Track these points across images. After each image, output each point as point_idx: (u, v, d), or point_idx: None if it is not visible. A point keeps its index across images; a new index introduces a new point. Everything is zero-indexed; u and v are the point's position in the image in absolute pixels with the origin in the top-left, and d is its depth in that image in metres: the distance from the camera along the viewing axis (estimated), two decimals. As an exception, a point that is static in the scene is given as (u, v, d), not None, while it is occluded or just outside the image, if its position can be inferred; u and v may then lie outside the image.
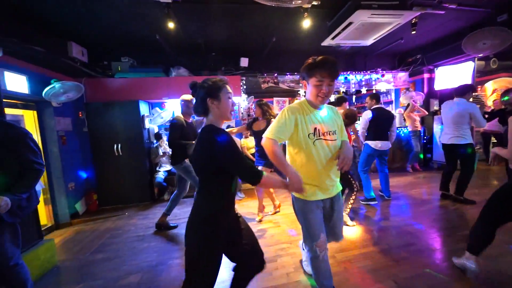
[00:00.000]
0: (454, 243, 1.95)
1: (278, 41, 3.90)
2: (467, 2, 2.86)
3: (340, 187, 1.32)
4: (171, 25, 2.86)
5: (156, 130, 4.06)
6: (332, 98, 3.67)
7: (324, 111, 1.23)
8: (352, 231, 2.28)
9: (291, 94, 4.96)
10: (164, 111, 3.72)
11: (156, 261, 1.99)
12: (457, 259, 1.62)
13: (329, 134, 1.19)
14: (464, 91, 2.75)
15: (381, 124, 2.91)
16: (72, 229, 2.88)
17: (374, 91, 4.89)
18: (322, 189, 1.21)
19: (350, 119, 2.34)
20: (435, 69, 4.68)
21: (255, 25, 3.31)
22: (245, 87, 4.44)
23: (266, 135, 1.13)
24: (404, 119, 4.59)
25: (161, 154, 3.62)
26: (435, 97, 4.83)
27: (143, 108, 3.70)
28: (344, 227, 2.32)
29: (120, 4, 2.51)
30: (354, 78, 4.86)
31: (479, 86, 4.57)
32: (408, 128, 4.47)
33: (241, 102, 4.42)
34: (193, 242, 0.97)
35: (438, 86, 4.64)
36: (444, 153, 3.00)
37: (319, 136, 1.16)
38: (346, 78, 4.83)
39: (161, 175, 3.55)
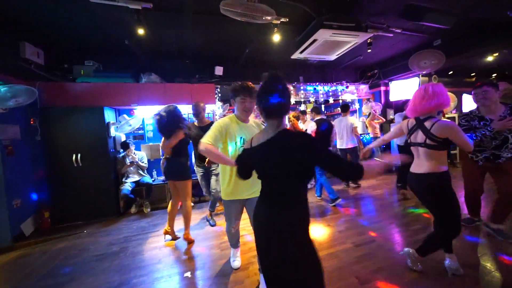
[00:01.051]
0: (410, 237, 2.18)
1: (251, 52, 4.06)
2: (409, 28, 3.36)
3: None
4: (141, 31, 2.80)
5: (123, 139, 3.81)
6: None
7: (250, 124, 1.57)
8: (320, 233, 2.39)
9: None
10: (133, 118, 3.53)
11: (119, 281, 1.83)
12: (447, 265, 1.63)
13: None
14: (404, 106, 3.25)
15: None
16: (15, 253, 2.49)
17: (340, 101, 5.33)
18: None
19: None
20: (389, 82, 5.31)
21: (228, 36, 3.41)
22: (219, 95, 4.47)
23: (204, 140, 1.37)
24: (367, 127, 5.07)
25: (129, 164, 3.39)
26: (390, 107, 5.45)
27: (109, 115, 3.47)
28: (316, 229, 2.42)
29: (86, 4, 2.38)
30: (322, 89, 5.23)
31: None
32: (370, 134, 4.94)
33: (216, 109, 4.43)
34: (313, 258, 0.91)
35: (393, 97, 5.26)
36: (399, 153, 3.41)
37: (241, 144, 1.49)
38: (315, 88, 5.18)
39: (127, 186, 3.31)
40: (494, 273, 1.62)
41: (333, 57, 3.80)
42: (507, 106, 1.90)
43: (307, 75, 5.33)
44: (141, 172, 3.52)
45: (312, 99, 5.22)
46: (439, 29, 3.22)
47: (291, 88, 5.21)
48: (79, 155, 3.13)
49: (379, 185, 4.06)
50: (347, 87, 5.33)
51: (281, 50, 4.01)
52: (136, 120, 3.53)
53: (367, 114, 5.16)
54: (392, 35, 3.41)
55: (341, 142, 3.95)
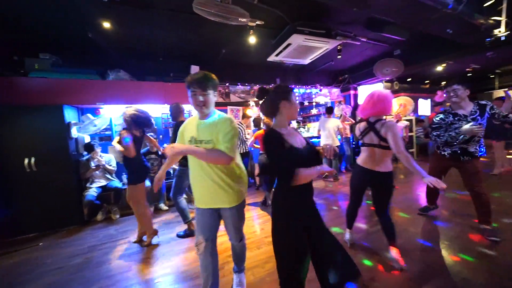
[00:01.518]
0: (370, 227, 2.39)
1: (228, 53, 4.04)
2: (374, 38, 3.68)
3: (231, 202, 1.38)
4: (106, 24, 2.62)
5: (88, 140, 3.50)
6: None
7: (207, 121, 1.34)
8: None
9: (243, 104, 5.15)
10: (99, 118, 3.27)
11: (82, 295, 1.69)
12: (344, 237, 2.14)
13: (202, 142, 1.32)
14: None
15: None
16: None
17: (314, 103, 5.61)
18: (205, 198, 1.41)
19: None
20: (358, 87, 5.74)
21: (204, 36, 3.35)
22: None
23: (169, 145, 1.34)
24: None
25: (94, 167, 3.12)
26: (360, 110, 5.90)
27: (70, 115, 3.16)
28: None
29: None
30: (298, 91, 5.44)
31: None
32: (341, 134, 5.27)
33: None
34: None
35: (361, 101, 5.70)
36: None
37: (193, 143, 1.35)
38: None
39: (92, 192, 3.05)
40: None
41: (307, 61, 3.99)
42: (474, 102, 2.06)
43: (283, 77, 5.49)
44: (108, 176, 3.27)
45: (288, 101, 5.38)
46: (397, 41, 3.59)
47: (268, 89, 5.31)
48: (32, 159, 2.79)
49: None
50: (320, 90, 5.62)
51: (258, 52, 4.07)
52: (102, 120, 3.27)
53: (339, 115, 5.51)
54: (359, 43, 3.69)
55: (327, 139, 4.42)
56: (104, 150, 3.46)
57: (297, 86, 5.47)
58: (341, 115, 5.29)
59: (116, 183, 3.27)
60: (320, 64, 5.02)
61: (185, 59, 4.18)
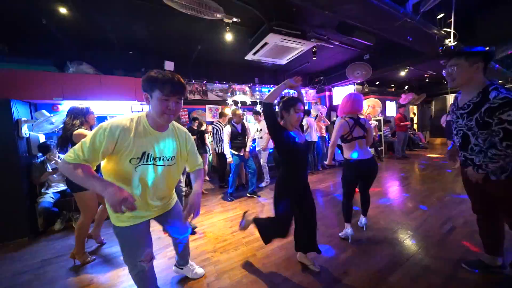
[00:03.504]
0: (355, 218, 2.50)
1: (205, 50, 3.93)
2: (345, 42, 3.89)
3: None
4: (63, 10, 2.34)
5: (42, 140, 3.10)
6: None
7: (168, 132, 1.13)
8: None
9: (221, 102, 5.06)
10: (56, 115, 2.91)
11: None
12: (340, 232, 2.15)
13: (162, 160, 1.11)
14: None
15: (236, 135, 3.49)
16: None
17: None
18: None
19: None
20: (332, 88, 6.02)
21: (178, 30, 3.21)
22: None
23: (69, 155, 0.92)
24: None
25: (50, 170, 2.77)
26: (334, 110, 6.19)
27: (20, 111, 2.76)
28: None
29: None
30: (276, 91, 5.52)
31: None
32: (317, 134, 5.48)
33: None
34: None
35: (335, 102, 5.99)
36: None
37: (147, 161, 1.04)
38: (269, 90, 5.42)
39: (49, 198, 2.69)
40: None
41: (284, 61, 4.05)
42: (487, 83, 1.20)
43: (261, 77, 5.53)
44: (68, 179, 2.92)
45: (267, 101, 5.43)
46: (366, 45, 3.83)
47: (247, 89, 5.30)
48: (-31, 162, 2.37)
49: (326, 179, 4.55)
50: (288, 94, 5.77)
51: (236, 50, 4.03)
52: (60, 117, 2.92)
53: (315, 116, 5.71)
54: (332, 46, 3.87)
55: (308, 136, 4.68)
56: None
57: (275, 86, 5.54)
58: (317, 115, 5.50)
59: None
60: (297, 65, 5.16)
61: (158, 54, 3.95)
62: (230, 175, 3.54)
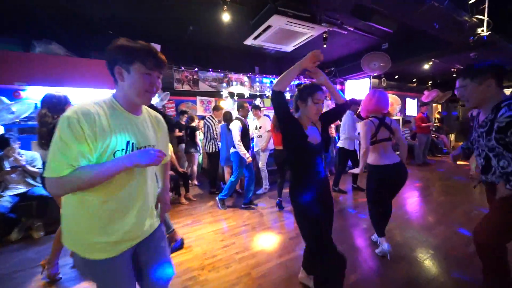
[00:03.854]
0: (360, 237, 2.49)
1: (197, 32, 3.89)
2: (361, 27, 3.88)
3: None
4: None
5: (1, 132, 3.03)
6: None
7: (143, 117, 1.04)
8: (271, 241, 2.49)
9: (215, 94, 5.03)
10: (18, 103, 2.85)
11: None
12: (377, 249, 2.16)
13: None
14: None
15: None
16: None
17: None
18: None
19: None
20: (345, 81, 6.02)
21: (166, 7, 3.16)
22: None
23: (50, 169, 0.78)
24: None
25: (9, 169, 2.71)
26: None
27: (-25, 97, 2.71)
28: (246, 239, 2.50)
29: None
30: (279, 83, 5.51)
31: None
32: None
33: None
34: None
35: (348, 97, 5.99)
36: (343, 157, 4.17)
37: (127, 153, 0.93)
38: (272, 81, 5.40)
39: (5, 202, 2.62)
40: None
41: (289, 48, 4.03)
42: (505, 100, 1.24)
43: (262, 66, 5.50)
44: (30, 180, 2.86)
45: (268, 93, 5.41)
46: (385, 33, 3.82)
47: (245, 79, 5.28)
48: None
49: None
50: (304, 83, 5.76)
51: (234, 34, 3.99)
52: (23, 105, 2.86)
53: (324, 113, 5.72)
54: (346, 32, 3.85)
55: None
56: (26, 146, 3.03)
57: (277, 77, 5.52)
58: (326, 112, 5.50)
59: (41, 189, 2.87)
60: (305, 53, 5.08)
61: (143, 35, 3.90)
62: (232, 177, 3.45)
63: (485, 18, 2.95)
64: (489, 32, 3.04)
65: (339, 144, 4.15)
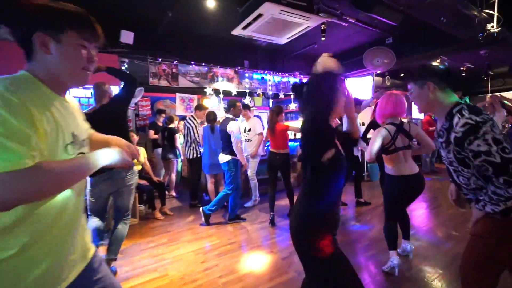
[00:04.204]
0: (361, 254, 2.53)
1: (177, 19, 3.89)
2: (363, 19, 4.02)
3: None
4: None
5: None
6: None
7: (70, 104, 0.92)
8: (262, 262, 2.48)
9: (197, 91, 5.01)
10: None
11: None
12: (384, 266, 2.23)
13: (83, 145, 0.93)
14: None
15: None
16: None
17: (292, 96, 5.80)
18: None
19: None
20: (345, 79, 6.18)
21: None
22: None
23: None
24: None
25: None
26: (347, 108, 6.37)
27: None
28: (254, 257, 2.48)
29: None
30: (272, 79, 5.56)
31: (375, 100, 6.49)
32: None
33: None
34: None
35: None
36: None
37: (78, 148, 0.87)
38: (263, 78, 5.45)
39: None
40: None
41: (283, 40, 4.10)
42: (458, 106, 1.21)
43: (253, 59, 5.55)
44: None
45: (259, 91, 5.45)
46: (389, 26, 3.98)
47: (232, 74, 5.31)
48: None
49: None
50: (300, 79, 5.86)
51: (219, 23, 4.03)
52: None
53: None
54: (346, 24, 3.98)
55: None
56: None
57: (271, 73, 5.59)
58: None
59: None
60: (300, 46, 5.25)
61: (113, 20, 3.85)
62: (226, 189, 3.38)
63: (495, 13, 3.13)
64: (500, 28, 3.23)
65: None
